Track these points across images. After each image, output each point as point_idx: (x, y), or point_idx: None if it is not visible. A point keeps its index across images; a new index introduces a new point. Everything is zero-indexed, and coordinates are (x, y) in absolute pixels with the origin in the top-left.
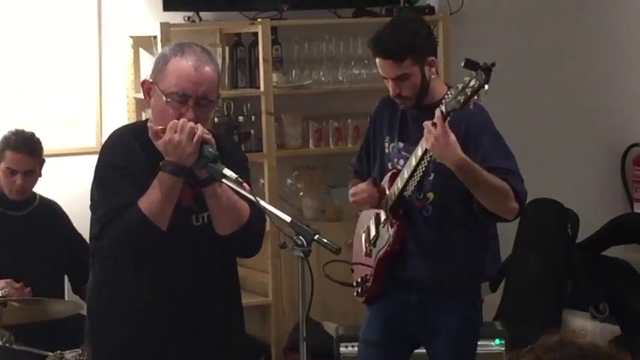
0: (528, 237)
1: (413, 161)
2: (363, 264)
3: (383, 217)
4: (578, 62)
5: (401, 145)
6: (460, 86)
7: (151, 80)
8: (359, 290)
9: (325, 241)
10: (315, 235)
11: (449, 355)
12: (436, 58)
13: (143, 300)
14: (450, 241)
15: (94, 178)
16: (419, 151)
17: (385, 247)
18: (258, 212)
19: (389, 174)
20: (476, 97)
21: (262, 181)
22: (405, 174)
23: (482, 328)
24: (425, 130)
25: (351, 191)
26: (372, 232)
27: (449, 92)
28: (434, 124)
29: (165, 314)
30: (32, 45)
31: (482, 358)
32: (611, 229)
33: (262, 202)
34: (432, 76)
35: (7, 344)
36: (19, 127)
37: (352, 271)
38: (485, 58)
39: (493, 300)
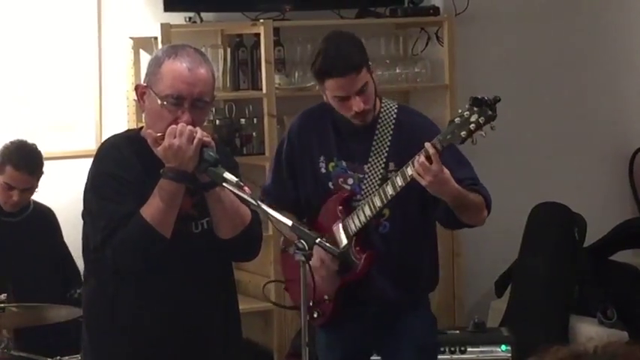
0: (535, 241)
1: (390, 190)
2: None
3: (340, 241)
4: (585, 65)
5: (344, 163)
6: (458, 120)
7: (144, 84)
8: (312, 314)
9: (327, 245)
10: (316, 239)
11: None
12: None
13: (143, 310)
14: (407, 254)
15: (91, 188)
16: (399, 182)
17: (350, 274)
18: (257, 216)
19: (341, 197)
20: (482, 133)
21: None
22: (378, 202)
23: (488, 334)
24: (417, 167)
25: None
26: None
27: (383, 104)
28: (427, 160)
29: (166, 323)
30: (32, 46)
31: None
32: (618, 233)
33: (263, 206)
34: (378, 83)
35: (6, 350)
36: (19, 130)
37: (286, 290)
38: (491, 60)
39: (499, 305)
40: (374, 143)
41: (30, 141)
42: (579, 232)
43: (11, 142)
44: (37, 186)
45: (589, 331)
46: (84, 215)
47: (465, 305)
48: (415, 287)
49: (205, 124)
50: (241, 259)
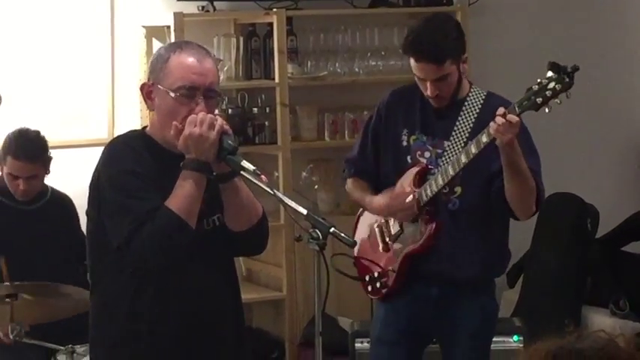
0: (547, 232)
1: (463, 158)
2: (371, 260)
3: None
4: (599, 56)
5: (424, 138)
6: (536, 87)
7: (150, 82)
8: (375, 286)
9: (341, 234)
10: (330, 228)
11: (469, 350)
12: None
13: (162, 309)
14: (475, 235)
15: (111, 187)
16: (472, 149)
17: (417, 244)
18: (263, 209)
19: (415, 170)
20: (557, 101)
21: (277, 173)
22: (451, 171)
23: (500, 325)
24: (496, 126)
25: (385, 203)
26: (395, 228)
27: (472, 89)
28: (502, 121)
29: (185, 321)
30: (44, 35)
31: (500, 354)
32: (631, 224)
33: (279, 194)
34: (466, 73)
35: (18, 338)
36: (32, 119)
37: (357, 267)
38: (504, 50)
39: (511, 296)
40: (458, 122)
41: (42, 130)
42: (592, 223)
43: (12, 132)
44: (45, 172)
45: (601, 322)
46: (89, 213)
47: None
48: (480, 269)
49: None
50: (251, 253)
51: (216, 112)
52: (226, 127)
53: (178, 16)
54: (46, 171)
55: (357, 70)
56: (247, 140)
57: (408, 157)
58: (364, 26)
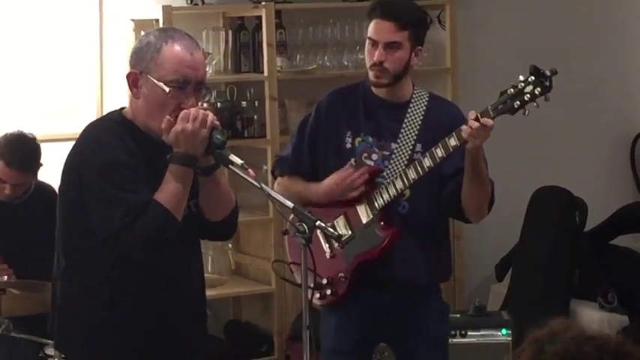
0: (536, 225)
1: (428, 162)
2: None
3: (363, 216)
4: (588, 50)
5: (370, 139)
6: (512, 91)
7: (137, 71)
8: (324, 293)
9: (327, 228)
10: (316, 221)
11: (431, 353)
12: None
13: (146, 299)
14: (425, 239)
15: (101, 176)
16: (439, 153)
17: (376, 250)
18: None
19: (368, 168)
20: (535, 104)
21: (265, 167)
22: (414, 174)
23: (488, 318)
24: (469, 129)
25: (335, 181)
26: (345, 233)
27: (415, 90)
28: (476, 125)
29: (163, 307)
30: (32, 28)
31: (489, 347)
32: (619, 217)
33: (266, 188)
34: (413, 67)
35: (5, 332)
36: (20, 113)
37: (291, 271)
38: (492, 44)
39: (500, 289)
40: (404, 123)
41: (30, 123)
42: (580, 217)
43: (9, 135)
44: (32, 179)
45: (589, 315)
46: (69, 196)
47: (466, 289)
48: (430, 273)
49: (206, 106)
50: (220, 239)
51: (205, 105)
52: (216, 122)
53: (167, 10)
54: (35, 178)
55: (346, 63)
56: (236, 134)
57: (353, 160)
58: (353, 19)
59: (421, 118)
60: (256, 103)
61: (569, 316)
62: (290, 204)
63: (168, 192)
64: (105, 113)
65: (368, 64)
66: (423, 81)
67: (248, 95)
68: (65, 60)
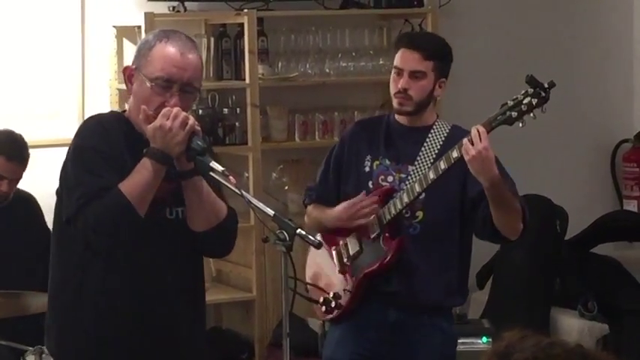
0: None
1: (431, 174)
2: (322, 287)
3: (372, 232)
4: (569, 58)
5: (387, 162)
6: (511, 102)
7: (133, 67)
8: (329, 307)
9: (308, 235)
10: (297, 229)
11: None
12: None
13: (115, 293)
14: (434, 260)
15: (71, 160)
16: (442, 165)
17: (378, 262)
18: (234, 213)
19: (380, 190)
20: (532, 115)
21: (247, 174)
22: (417, 187)
23: (469, 326)
24: (466, 142)
25: (344, 207)
26: (354, 248)
27: (438, 120)
28: (474, 138)
29: (134, 307)
30: (14, 34)
31: (469, 355)
32: (600, 226)
33: (247, 195)
34: (437, 97)
35: None
36: (1, 118)
37: (307, 290)
38: (474, 52)
39: (480, 297)
40: (423, 148)
41: (12, 129)
42: (561, 225)
43: (1, 132)
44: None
45: (570, 324)
46: (58, 191)
47: None
48: (438, 294)
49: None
50: (213, 255)
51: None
52: (197, 127)
53: (149, 17)
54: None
55: (327, 71)
56: (217, 141)
57: (370, 183)
58: (335, 27)
59: (441, 143)
60: (238, 110)
61: (550, 324)
62: (271, 212)
63: (133, 182)
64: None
65: (392, 92)
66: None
67: (230, 102)
68: (47, 66)
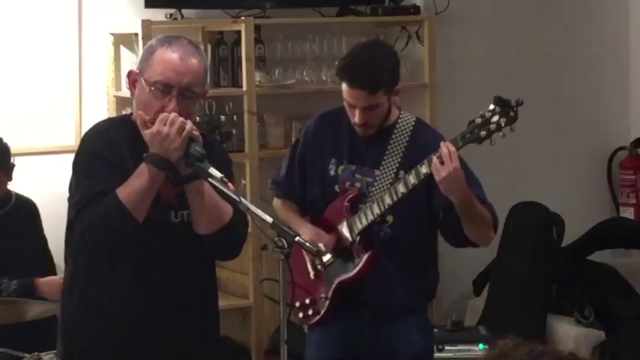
0: (513, 241)
1: (401, 188)
2: (301, 287)
3: (344, 240)
4: (566, 65)
5: (352, 167)
6: (479, 120)
7: (137, 71)
8: (307, 313)
9: (306, 243)
10: (295, 236)
11: None
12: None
13: (119, 296)
14: (407, 263)
15: (73, 165)
16: (411, 179)
17: (351, 273)
18: (242, 216)
19: (349, 196)
20: (501, 134)
21: (244, 181)
22: (388, 200)
23: (466, 333)
24: (436, 161)
25: (309, 232)
26: (327, 257)
27: (401, 115)
28: (444, 157)
29: (141, 311)
30: (11, 41)
31: None
32: (596, 233)
33: (245, 202)
34: (396, 103)
35: None
36: None
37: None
38: (471, 60)
39: (477, 304)
40: (388, 150)
41: (8, 136)
42: (557, 232)
43: None
44: (8, 179)
45: (566, 331)
46: (68, 197)
47: (443, 303)
48: (411, 296)
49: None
50: (220, 258)
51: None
52: (195, 133)
53: (146, 24)
54: (11, 175)
55: (324, 78)
56: None
57: (336, 187)
58: (332, 35)
59: (405, 144)
60: (235, 117)
61: (546, 331)
62: (269, 219)
63: (130, 187)
64: (84, 126)
65: (351, 120)
66: (401, 96)
67: (227, 110)
68: (44, 73)
